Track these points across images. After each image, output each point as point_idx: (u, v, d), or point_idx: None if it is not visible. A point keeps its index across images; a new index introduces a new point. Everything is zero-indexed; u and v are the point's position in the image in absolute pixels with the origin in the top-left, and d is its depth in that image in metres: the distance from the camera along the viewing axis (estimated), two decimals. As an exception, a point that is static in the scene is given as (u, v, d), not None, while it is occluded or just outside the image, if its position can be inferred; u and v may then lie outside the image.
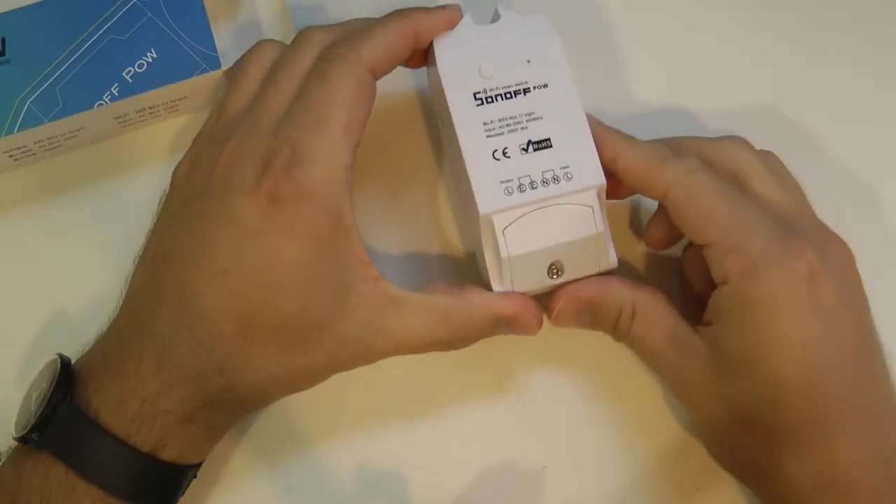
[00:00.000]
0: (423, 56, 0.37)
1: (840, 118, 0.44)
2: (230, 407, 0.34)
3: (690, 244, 0.37)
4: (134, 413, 0.31)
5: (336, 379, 0.34)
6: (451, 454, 0.38)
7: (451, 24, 0.36)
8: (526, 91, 0.36)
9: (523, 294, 0.35)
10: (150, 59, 0.37)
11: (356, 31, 0.35)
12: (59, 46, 0.37)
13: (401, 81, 0.42)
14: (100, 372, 0.32)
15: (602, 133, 0.36)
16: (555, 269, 0.35)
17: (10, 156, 0.38)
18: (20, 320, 0.38)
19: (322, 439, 0.38)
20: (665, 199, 0.34)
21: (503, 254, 0.35)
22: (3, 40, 0.37)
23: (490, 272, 0.36)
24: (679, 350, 0.35)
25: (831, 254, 0.34)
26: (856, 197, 0.43)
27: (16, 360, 0.38)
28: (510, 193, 0.35)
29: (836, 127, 0.43)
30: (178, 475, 0.33)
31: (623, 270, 0.38)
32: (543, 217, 0.35)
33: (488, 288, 0.36)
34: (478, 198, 0.34)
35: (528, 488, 0.38)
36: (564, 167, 0.35)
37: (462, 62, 0.36)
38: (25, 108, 0.36)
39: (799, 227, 0.34)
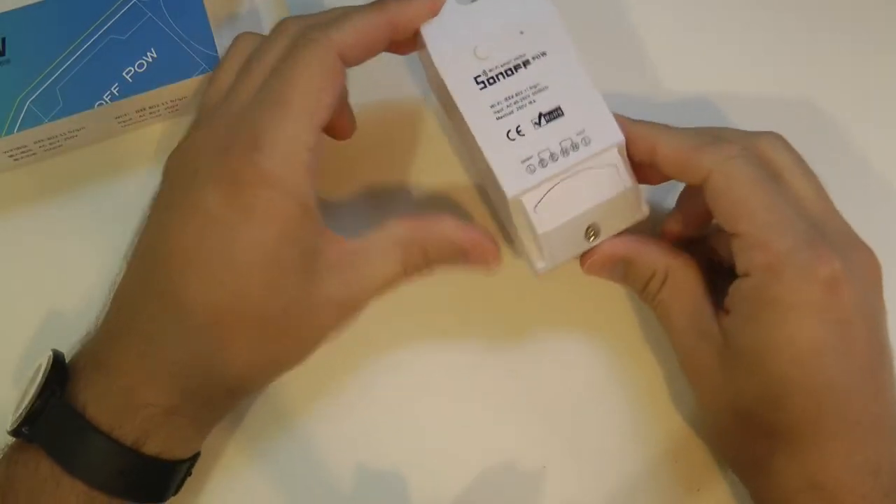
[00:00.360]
0: (412, 42, 0.36)
1: (839, 118, 0.43)
2: (217, 397, 0.34)
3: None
4: (117, 406, 0.31)
5: (333, 373, 0.34)
6: (450, 453, 0.38)
7: (434, 11, 0.35)
8: (526, 63, 0.35)
9: (483, 229, 0.35)
10: (150, 59, 0.38)
11: (331, 18, 0.34)
12: (59, 46, 0.37)
13: (401, 79, 0.42)
14: (88, 367, 0.32)
15: (635, 128, 0.35)
16: (592, 231, 0.35)
17: (10, 156, 0.38)
18: (20, 320, 0.38)
19: (319, 434, 0.38)
20: (704, 185, 0.34)
21: (539, 230, 0.34)
22: (3, 40, 0.37)
23: (529, 250, 0.35)
24: (697, 331, 0.35)
25: (856, 263, 0.33)
26: (856, 197, 0.42)
27: (15, 360, 0.38)
28: (533, 171, 0.34)
29: (834, 127, 0.43)
30: (166, 470, 0.32)
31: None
32: (570, 185, 0.35)
33: (532, 266, 0.36)
34: (503, 182, 0.34)
35: (528, 488, 0.38)
36: (580, 132, 0.35)
37: (455, 48, 0.35)
38: (25, 108, 0.36)
39: (828, 232, 0.33)
